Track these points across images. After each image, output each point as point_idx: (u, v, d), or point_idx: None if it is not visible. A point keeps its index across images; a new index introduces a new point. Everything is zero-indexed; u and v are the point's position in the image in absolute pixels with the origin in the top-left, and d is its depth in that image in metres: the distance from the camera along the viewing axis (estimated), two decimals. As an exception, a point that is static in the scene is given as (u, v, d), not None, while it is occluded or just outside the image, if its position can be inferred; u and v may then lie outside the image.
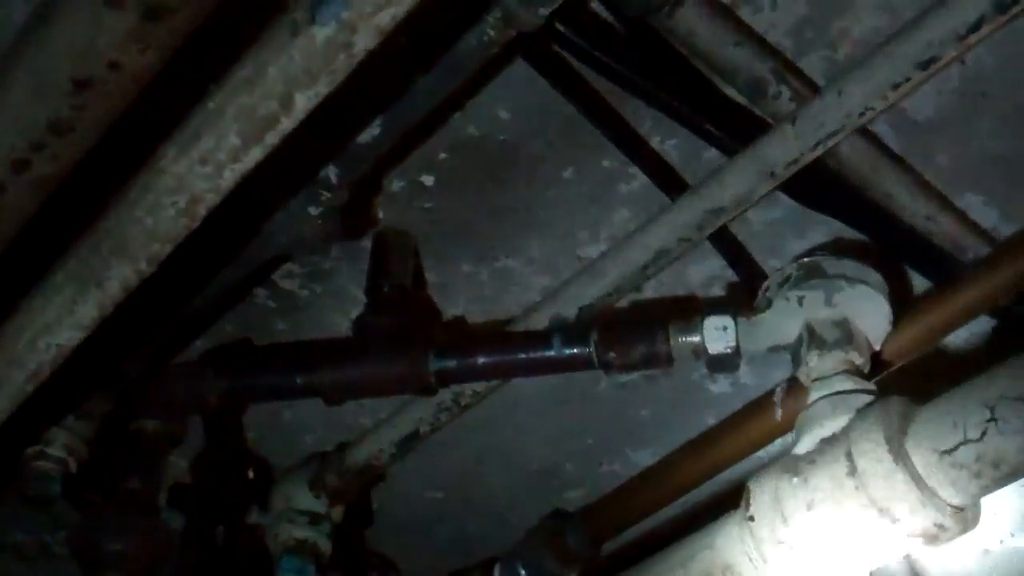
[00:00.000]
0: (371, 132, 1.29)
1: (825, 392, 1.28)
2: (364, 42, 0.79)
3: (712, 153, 1.50)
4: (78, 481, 1.58)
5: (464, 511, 2.17)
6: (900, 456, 1.09)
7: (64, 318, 1.03)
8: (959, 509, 1.09)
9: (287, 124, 0.85)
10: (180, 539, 1.66)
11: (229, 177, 0.89)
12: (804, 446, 1.26)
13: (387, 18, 0.77)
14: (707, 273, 1.66)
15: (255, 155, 0.87)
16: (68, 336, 1.04)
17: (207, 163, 0.88)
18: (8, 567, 1.69)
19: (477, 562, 2.08)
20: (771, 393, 1.64)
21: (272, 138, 0.86)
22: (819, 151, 1.24)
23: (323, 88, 0.83)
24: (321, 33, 0.79)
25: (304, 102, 0.83)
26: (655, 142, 1.49)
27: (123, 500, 1.49)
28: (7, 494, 1.52)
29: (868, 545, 1.14)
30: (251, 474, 1.75)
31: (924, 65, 1.14)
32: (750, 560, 1.23)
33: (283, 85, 0.82)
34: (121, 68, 0.91)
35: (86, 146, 1.00)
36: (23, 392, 1.11)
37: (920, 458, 1.09)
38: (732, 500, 1.32)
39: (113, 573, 1.40)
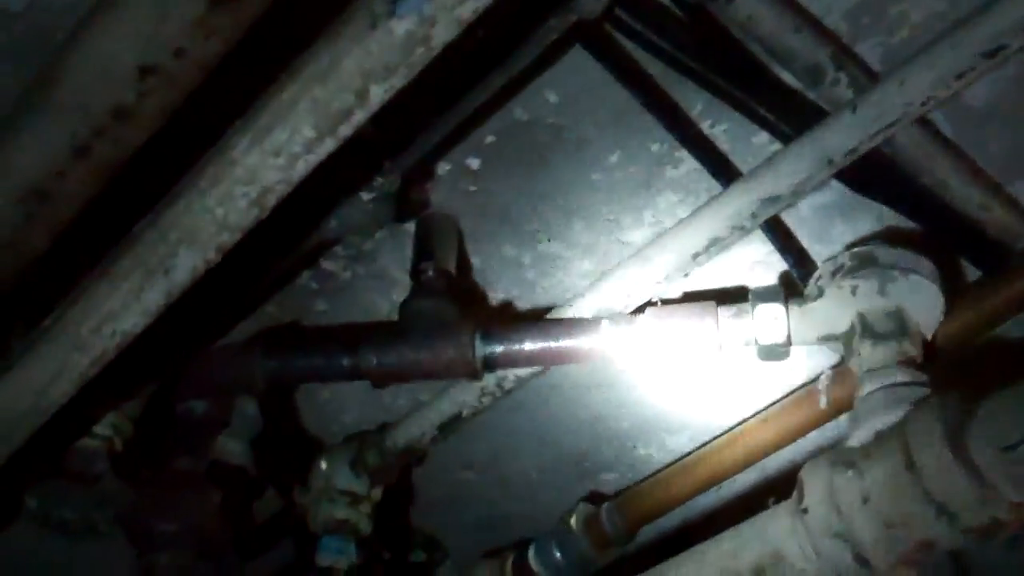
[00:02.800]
0: (425, 120, 1.28)
1: (879, 384, 1.27)
2: (444, 35, 0.78)
3: (762, 138, 1.49)
4: (125, 459, 1.59)
5: (497, 492, 2.17)
6: (960, 451, 1.08)
7: (131, 304, 1.03)
8: (1019, 505, 1.08)
9: (361, 116, 0.85)
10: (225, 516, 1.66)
11: (302, 168, 0.88)
12: (858, 438, 1.25)
13: (468, 11, 0.77)
14: (752, 258, 1.65)
15: (328, 146, 0.87)
16: (133, 322, 1.04)
17: (280, 155, 0.88)
18: (55, 545, 1.70)
19: (511, 543, 2.09)
20: (814, 381, 1.64)
21: (346, 130, 0.86)
22: (878, 140, 1.22)
23: (399, 81, 0.82)
24: (400, 26, 0.78)
25: (380, 95, 0.83)
26: (705, 126, 1.48)
27: (173, 481, 1.50)
28: (57, 472, 1.53)
29: (924, 540, 1.13)
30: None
31: (990, 54, 1.12)
32: (802, 552, 1.22)
33: (359, 78, 0.82)
34: (186, 55, 0.91)
35: (149, 132, 1.00)
36: (86, 376, 1.11)
37: (980, 454, 1.07)
38: (772, 489, 1.31)
39: (166, 553, 1.41)
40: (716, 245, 1.37)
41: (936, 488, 1.10)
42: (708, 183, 1.52)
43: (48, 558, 1.73)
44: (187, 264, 0.98)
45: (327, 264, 1.69)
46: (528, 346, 1.46)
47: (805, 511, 1.22)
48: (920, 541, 1.13)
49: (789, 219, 1.58)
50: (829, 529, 1.19)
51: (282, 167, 0.88)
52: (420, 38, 0.78)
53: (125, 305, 1.03)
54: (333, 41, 0.83)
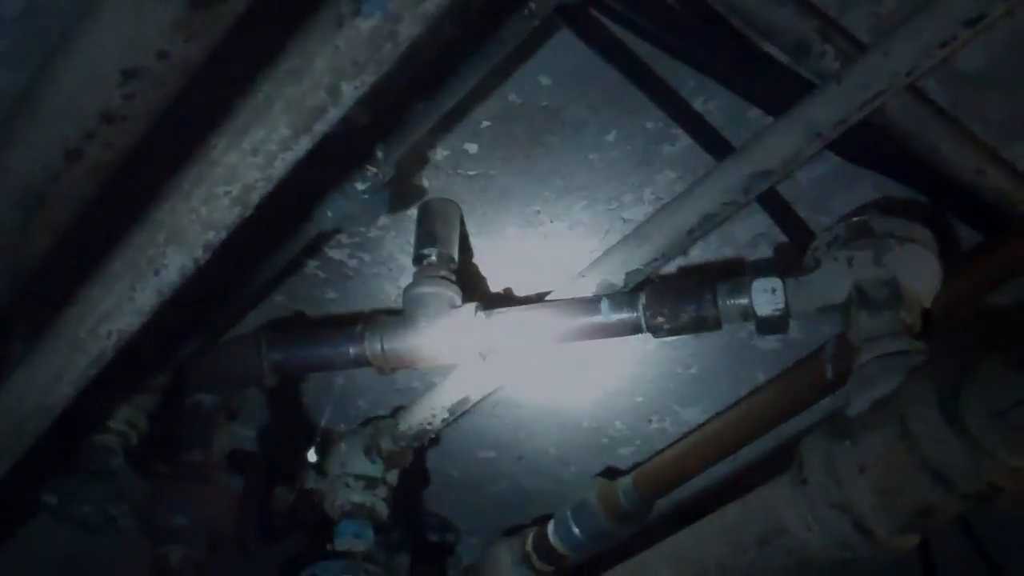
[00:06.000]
0: (416, 108, 1.29)
1: (876, 353, 1.28)
2: (409, 31, 0.79)
3: (756, 112, 1.48)
4: (140, 453, 1.63)
5: (516, 470, 2.19)
6: (953, 418, 1.09)
7: (124, 305, 1.05)
8: (1016, 470, 1.09)
9: (335, 113, 0.86)
10: (241, 506, 1.69)
11: (280, 166, 0.90)
12: (856, 407, 1.26)
13: (433, 6, 0.78)
14: (753, 231, 1.65)
15: (305, 144, 0.88)
16: (128, 322, 1.07)
17: (258, 153, 0.89)
18: (75, 539, 1.74)
19: (531, 521, 2.11)
20: (820, 349, 1.65)
21: (321, 127, 0.87)
22: (866, 111, 1.23)
23: (370, 77, 0.83)
24: (366, 24, 0.79)
25: (352, 91, 0.84)
26: (698, 103, 1.48)
27: (184, 473, 1.53)
28: (73, 468, 1.56)
29: (922, 508, 1.14)
30: (313, 453, 1.78)
31: (971, 23, 1.12)
32: (804, 523, 1.23)
33: (330, 75, 0.83)
34: (169, 56, 0.93)
35: (139, 134, 1.02)
36: (86, 377, 1.14)
37: (974, 420, 1.08)
38: (784, 458, 1.32)
39: (180, 545, 1.44)
40: (710, 221, 1.38)
41: (931, 455, 1.11)
42: (705, 159, 1.52)
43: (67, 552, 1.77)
44: (176, 263, 1.00)
45: (333, 253, 1.71)
46: (531, 328, 1.47)
47: (804, 482, 1.23)
48: (918, 508, 1.14)
49: (788, 191, 1.58)
50: (828, 499, 1.20)
51: (261, 165, 0.90)
52: (386, 34, 0.79)
53: (118, 306, 1.05)
54: (303, 40, 0.85)
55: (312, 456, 1.79)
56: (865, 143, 1.44)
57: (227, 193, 0.93)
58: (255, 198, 0.94)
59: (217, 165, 0.92)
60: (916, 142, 1.39)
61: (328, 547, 1.77)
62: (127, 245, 1.04)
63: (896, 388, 1.19)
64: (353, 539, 1.75)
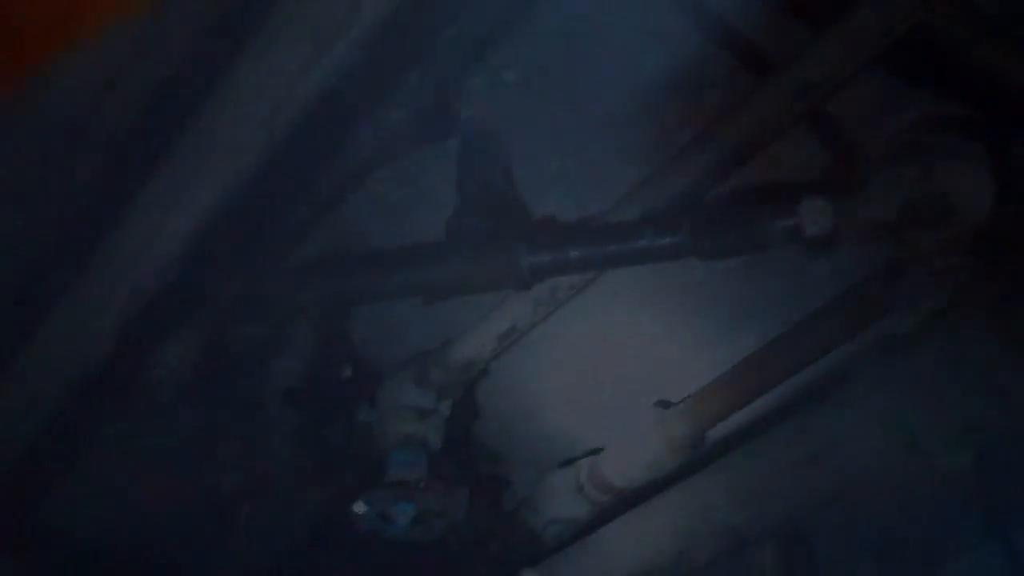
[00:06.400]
0: (450, 32, 1.27)
1: (927, 269, 1.25)
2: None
3: (800, 26, 1.44)
4: (192, 386, 1.65)
5: (567, 402, 2.19)
6: (1006, 333, 1.07)
7: (160, 232, 1.06)
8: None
9: (357, 32, 0.85)
10: (295, 439, 1.71)
11: (304, 86, 0.89)
12: (906, 325, 1.24)
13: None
14: (803, 154, 1.61)
15: (328, 64, 0.87)
16: (166, 249, 1.07)
17: (281, 74, 0.89)
18: (136, 468, 1.78)
19: (584, 452, 2.11)
20: (873, 272, 1.61)
21: (343, 45, 0.86)
22: (911, 21, 1.19)
23: (391, -9, 0.82)
24: (384, -68, 0.78)
25: (373, 6, 0.83)
26: (739, 21, 1.44)
27: (232, 405, 1.55)
28: (130, 403, 1.59)
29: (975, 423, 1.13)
30: (349, 372, 1.79)
31: (1023, -78, 1.08)
32: (855, 442, 1.23)
33: (350, -11, 0.82)
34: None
35: (170, 61, 1.01)
36: (129, 310, 1.15)
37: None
38: (836, 383, 1.31)
39: (229, 475, 1.47)
40: (756, 140, 1.35)
41: (984, 370, 1.10)
42: (749, 77, 1.48)
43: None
44: (209, 188, 1.00)
45: (376, 187, 1.70)
46: (574, 253, 1.46)
47: (855, 401, 1.23)
48: (970, 424, 1.14)
49: (838, 111, 1.54)
50: (879, 417, 1.20)
51: (284, 86, 0.89)
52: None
53: (155, 233, 1.06)
54: (322, -46, 0.84)
55: (348, 371, 1.79)
56: (915, 59, 1.39)
57: (252, 115, 0.93)
58: (282, 120, 0.93)
59: (241, 87, 0.92)
60: (968, 55, 1.34)
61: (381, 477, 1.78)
62: (160, 172, 1.04)
63: (948, 304, 1.17)
64: (405, 468, 1.75)
